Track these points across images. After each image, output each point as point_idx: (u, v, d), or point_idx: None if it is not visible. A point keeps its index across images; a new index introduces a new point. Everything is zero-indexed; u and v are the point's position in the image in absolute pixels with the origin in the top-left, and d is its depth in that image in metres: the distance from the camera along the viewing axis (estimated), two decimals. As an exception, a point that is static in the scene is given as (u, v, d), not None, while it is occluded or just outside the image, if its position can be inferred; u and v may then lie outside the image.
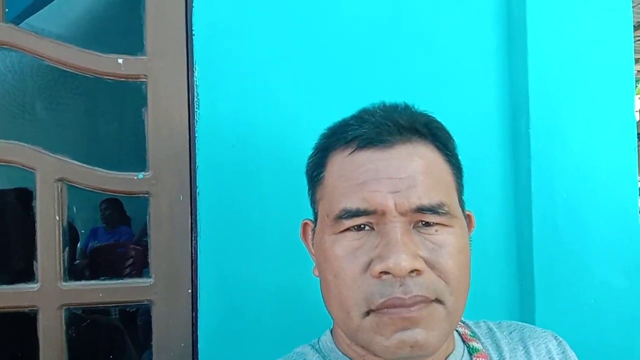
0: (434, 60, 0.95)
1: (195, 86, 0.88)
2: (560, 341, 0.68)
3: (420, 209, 0.55)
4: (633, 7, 1.04)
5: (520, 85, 0.94)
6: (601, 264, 0.98)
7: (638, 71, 5.61)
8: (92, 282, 0.87)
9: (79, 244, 2.85)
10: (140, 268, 2.60)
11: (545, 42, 0.93)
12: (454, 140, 0.63)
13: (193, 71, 0.89)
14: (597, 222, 0.97)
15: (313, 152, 0.65)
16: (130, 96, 1.02)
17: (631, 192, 0.99)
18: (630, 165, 0.98)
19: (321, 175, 0.61)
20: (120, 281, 0.87)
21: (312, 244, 0.64)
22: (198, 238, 0.86)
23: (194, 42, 0.89)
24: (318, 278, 0.61)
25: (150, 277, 0.87)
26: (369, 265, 0.54)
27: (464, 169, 0.64)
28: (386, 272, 0.53)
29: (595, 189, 0.96)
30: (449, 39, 0.96)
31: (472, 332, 0.66)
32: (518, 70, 0.95)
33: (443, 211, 0.56)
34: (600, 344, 0.96)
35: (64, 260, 0.86)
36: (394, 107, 0.62)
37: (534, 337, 0.67)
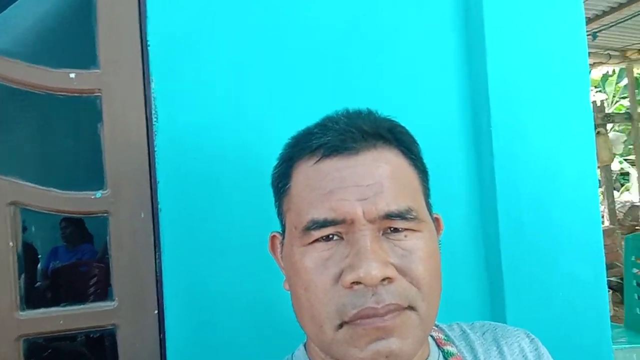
0: (395, 65, 0.95)
1: (152, 98, 0.85)
2: (533, 339, 0.68)
3: (389, 215, 0.54)
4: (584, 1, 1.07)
5: (481, 85, 0.95)
6: (567, 258, 1.00)
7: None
8: (52, 309, 0.82)
9: (39, 265, 2.74)
10: (105, 287, 2.52)
11: (503, 42, 0.95)
12: (418, 144, 0.63)
13: (150, 83, 0.86)
14: (561, 217, 0.99)
15: (278, 163, 0.63)
16: (84, 111, 0.98)
17: (592, 184, 1.01)
18: (589, 158, 1.00)
19: (287, 186, 0.60)
20: (82, 306, 0.83)
21: (281, 257, 0.62)
22: (162, 256, 0.83)
23: (150, 53, 0.86)
24: (289, 292, 0.59)
25: (113, 300, 0.83)
26: (339, 276, 0.53)
27: (429, 172, 0.63)
28: (357, 282, 0.52)
29: (557, 184, 0.98)
30: (409, 43, 0.96)
31: (446, 336, 0.66)
32: (478, 71, 0.96)
33: (411, 216, 0.55)
34: (570, 336, 0.98)
35: (20, 288, 0.81)
36: (358, 114, 0.61)
37: (506, 337, 0.67)
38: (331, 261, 0.54)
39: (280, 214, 0.62)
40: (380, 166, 0.57)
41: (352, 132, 0.58)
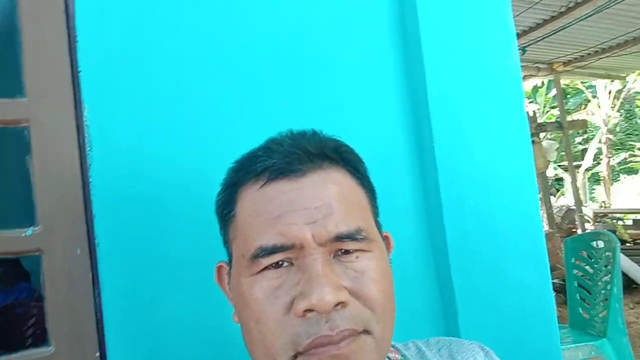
0: (336, 84, 0.95)
1: (85, 127, 0.81)
2: (487, 351, 0.69)
3: (339, 237, 0.53)
4: (514, 17, 1.12)
5: (421, 102, 0.97)
6: (514, 264, 1.02)
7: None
8: (-20, 360, 0.75)
9: (-29, 312, 2.54)
10: (45, 327, 2.36)
11: (440, 59, 0.97)
12: (364, 163, 0.62)
13: (82, 111, 0.81)
14: (505, 225, 1.02)
15: (221, 189, 0.61)
16: (11, 143, 0.92)
17: (531, 192, 1.05)
18: (528, 167, 1.03)
19: (232, 213, 0.58)
20: (14, 355, 0.76)
21: (229, 288, 0.60)
22: (101, 294, 0.78)
23: (81, 79, 0.82)
24: (239, 324, 0.57)
25: (49, 346, 0.77)
26: (291, 304, 0.51)
27: (376, 191, 0.63)
28: (310, 310, 0.50)
29: (500, 194, 1.01)
30: (348, 62, 0.97)
31: (402, 356, 0.65)
32: (417, 88, 0.98)
33: (361, 236, 0.55)
34: (520, 340, 1.00)
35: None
36: (302, 135, 0.60)
37: (462, 351, 0.67)
38: (282, 289, 0.52)
39: (226, 243, 0.60)
40: (328, 187, 0.56)
41: (297, 154, 0.56)
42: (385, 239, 0.62)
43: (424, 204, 0.98)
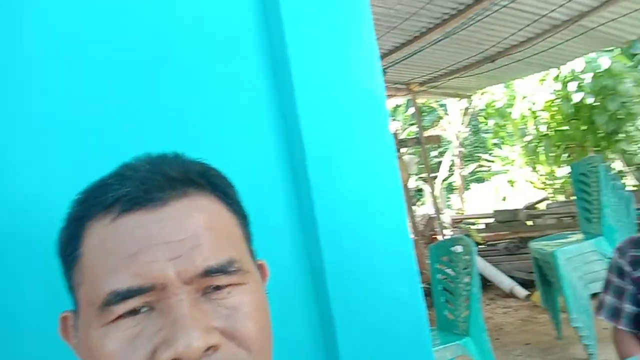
0: (202, 105, 0.89)
1: None
2: None
3: (209, 272, 0.48)
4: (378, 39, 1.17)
5: (292, 120, 0.95)
6: (387, 280, 1.04)
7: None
8: None
9: None
10: None
11: (310, 83, 0.96)
12: (234, 187, 0.58)
13: None
14: (378, 242, 1.03)
15: (64, 225, 0.52)
16: None
17: (400, 208, 1.07)
18: (395, 184, 1.06)
19: (77, 253, 0.49)
20: None
21: (77, 342, 0.51)
22: None
23: None
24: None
25: None
26: (153, 355, 0.44)
27: (249, 216, 0.59)
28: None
29: (371, 212, 1.02)
30: (216, 81, 0.92)
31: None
32: (289, 109, 0.96)
33: (234, 269, 0.50)
34: (397, 355, 1.02)
35: None
36: (162, 158, 0.54)
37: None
38: (141, 339, 0.45)
39: (71, 289, 0.50)
40: (194, 216, 0.50)
41: (157, 180, 0.50)
42: (260, 267, 0.58)
43: (299, 225, 0.96)
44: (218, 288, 0.48)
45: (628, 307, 1.72)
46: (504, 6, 4.44)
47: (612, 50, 8.05)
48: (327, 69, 0.99)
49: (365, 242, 1.01)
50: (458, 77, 6.35)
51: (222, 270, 0.48)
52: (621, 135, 8.82)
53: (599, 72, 8.46)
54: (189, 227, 0.49)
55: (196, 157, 0.56)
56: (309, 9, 0.98)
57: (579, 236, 4.12)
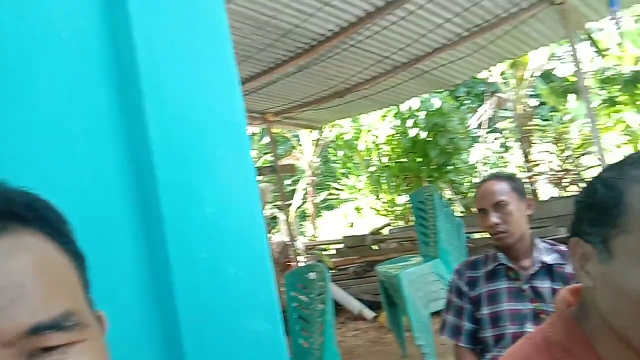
0: (33, 124, 0.77)
1: None
2: None
3: (37, 330, 0.39)
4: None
5: (143, 151, 0.86)
6: (247, 315, 0.99)
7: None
8: None
9: None
10: None
11: (163, 106, 0.89)
12: (68, 223, 0.49)
13: None
14: (236, 275, 0.98)
15: None
16: None
17: (261, 239, 1.04)
18: (256, 214, 1.03)
19: None
20: None
21: None
22: None
23: None
24: None
25: None
26: None
27: (87, 257, 0.50)
28: None
29: (229, 245, 0.97)
30: (52, 100, 0.80)
31: None
32: (137, 128, 0.87)
33: (72, 323, 0.41)
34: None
35: None
36: (-27, 186, 0.43)
37: None
38: None
39: None
40: (18, 258, 0.41)
41: (-35, 214, 0.40)
42: (99, 319, 0.49)
43: (149, 264, 0.86)
44: (49, 350, 0.39)
45: (467, 325, 1.88)
46: (352, 46, 4.77)
47: (442, 92, 9.15)
48: (184, 93, 0.93)
49: (224, 278, 0.95)
50: (310, 109, 6.62)
51: (55, 326, 0.39)
52: (450, 167, 9.99)
53: (432, 111, 9.55)
54: (12, 273, 0.39)
55: (23, 185, 0.46)
56: (163, 26, 0.91)
57: (419, 259, 4.49)
